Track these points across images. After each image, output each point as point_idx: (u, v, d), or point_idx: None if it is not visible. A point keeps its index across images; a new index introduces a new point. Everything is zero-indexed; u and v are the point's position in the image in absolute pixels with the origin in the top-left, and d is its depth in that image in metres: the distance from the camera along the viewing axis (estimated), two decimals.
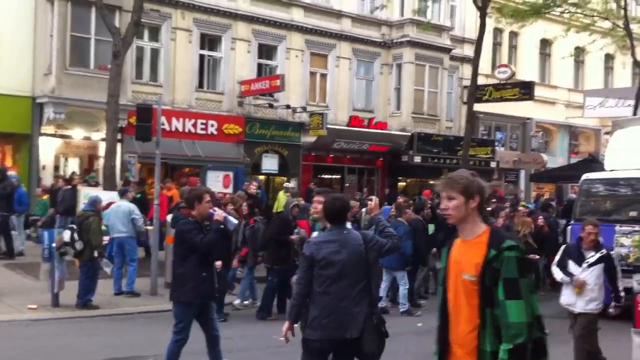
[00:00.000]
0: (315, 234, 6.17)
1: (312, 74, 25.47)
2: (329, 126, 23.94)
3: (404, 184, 28.53)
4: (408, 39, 26.29)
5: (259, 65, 24.36)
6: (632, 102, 25.82)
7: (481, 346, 3.39)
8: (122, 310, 11.40)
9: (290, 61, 24.61)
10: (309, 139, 24.49)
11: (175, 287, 6.91)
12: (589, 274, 7.61)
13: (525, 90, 26.37)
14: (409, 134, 26.17)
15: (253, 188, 16.95)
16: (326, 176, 26.92)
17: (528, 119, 31.18)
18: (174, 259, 7.06)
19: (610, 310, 7.56)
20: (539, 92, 28.14)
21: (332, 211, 5.37)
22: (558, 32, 27.18)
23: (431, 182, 27.61)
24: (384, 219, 5.90)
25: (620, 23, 25.34)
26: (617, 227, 11.67)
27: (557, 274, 7.98)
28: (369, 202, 6.14)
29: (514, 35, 30.82)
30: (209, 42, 23.40)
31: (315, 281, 5.18)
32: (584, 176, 13.35)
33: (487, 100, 26.85)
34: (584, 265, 7.66)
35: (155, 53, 22.09)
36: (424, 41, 26.49)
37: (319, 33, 25.25)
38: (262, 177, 23.58)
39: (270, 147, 24.20)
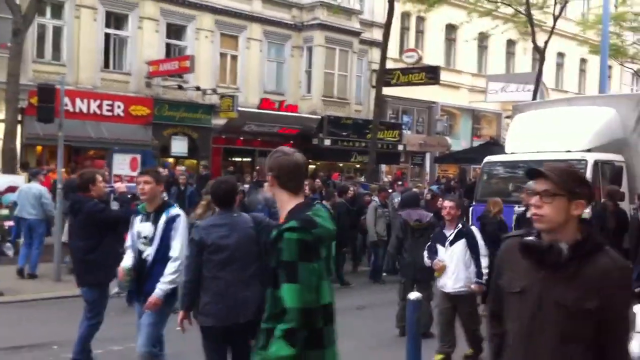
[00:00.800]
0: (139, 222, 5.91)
1: (223, 55, 25.19)
2: (239, 109, 23.79)
3: (314, 166, 28.75)
4: (318, 21, 26.36)
5: (168, 46, 23.88)
6: (532, 87, 26.95)
7: (263, 322, 3.24)
8: (24, 297, 11.04)
9: (200, 42, 24.23)
10: (219, 121, 24.25)
11: (86, 272, 6.64)
12: (452, 253, 7.41)
13: (431, 75, 26.89)
14: (319, 117, 26.34)
15: (164, 172, 16.67)
16: (237, 159, 26.79)
17: (433, 103, 31.84)
18: (80, 244, 6.70)
19: (472, 286, 7.33)
20: (444, 76, 28.75)
21: (218, 195, 5.25)
22: (463, 17, 27.91)
23: (340, 164, 28.00)
24: None
25: (522, 9, 26.30)
26: (516, 208, 12.21)
27: (425, 258, 7.76)
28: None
29: (421, 20, 31.39)
30: (115, 20, 22.71)
31: (205, 266, 5.04)
32: (486, 159, 13.90)
33: (395, 84, 27.21)
34: (446, 244, 7.46)
35: (58, 31, 21.23)
36: (334, 24, 26.63)
37: (230, 14, 24.94)
38: (171, 160, 23.21)
39: (179, 129, 23.80)
